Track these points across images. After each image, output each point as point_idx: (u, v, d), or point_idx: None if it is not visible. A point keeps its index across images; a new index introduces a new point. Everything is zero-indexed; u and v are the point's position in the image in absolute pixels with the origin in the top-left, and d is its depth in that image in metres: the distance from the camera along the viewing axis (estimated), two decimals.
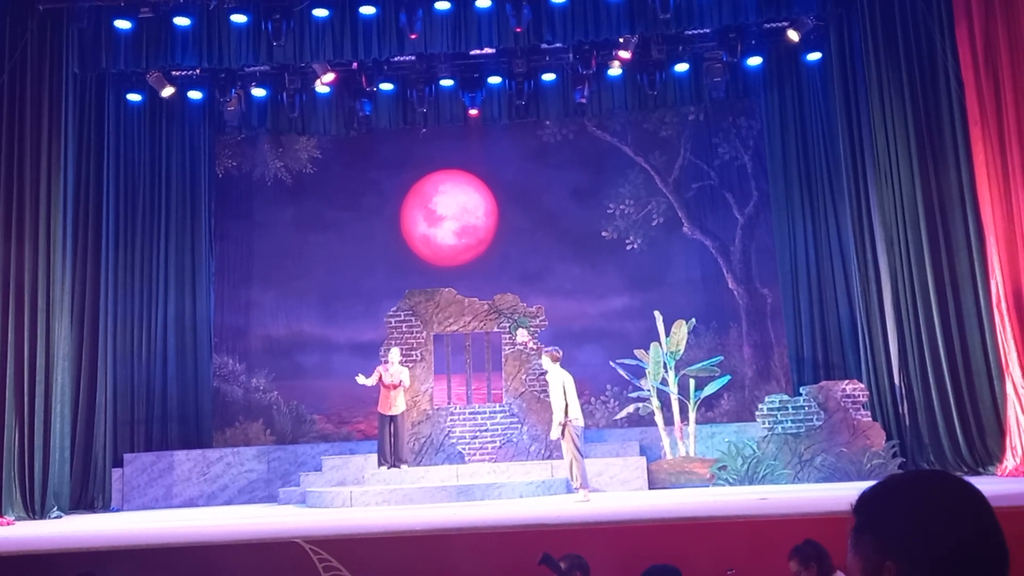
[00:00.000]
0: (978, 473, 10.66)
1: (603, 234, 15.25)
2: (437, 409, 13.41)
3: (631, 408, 13.14)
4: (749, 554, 6.72)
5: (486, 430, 13.29)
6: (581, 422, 10.55)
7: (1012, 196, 10.39)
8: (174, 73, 13.92)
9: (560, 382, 10.44)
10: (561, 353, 10.81)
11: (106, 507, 12.91)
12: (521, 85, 14.29)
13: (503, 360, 13.46)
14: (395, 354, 12.78)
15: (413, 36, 12.23)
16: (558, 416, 10.39)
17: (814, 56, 13.90)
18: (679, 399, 12.69)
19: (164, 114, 14.65)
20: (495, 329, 13.55)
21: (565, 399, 10.38)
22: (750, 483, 11.58)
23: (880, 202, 12.10)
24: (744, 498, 9.53)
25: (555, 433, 10.49)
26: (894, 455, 11.49)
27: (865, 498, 1.51)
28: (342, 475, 12.61)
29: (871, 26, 12.04)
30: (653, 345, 12.80)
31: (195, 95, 14.48)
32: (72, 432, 12.58)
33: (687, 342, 12.88)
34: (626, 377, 13.14)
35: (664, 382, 12.73)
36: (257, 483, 13.39)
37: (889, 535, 1.44)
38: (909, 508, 1.45)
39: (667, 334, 12.82)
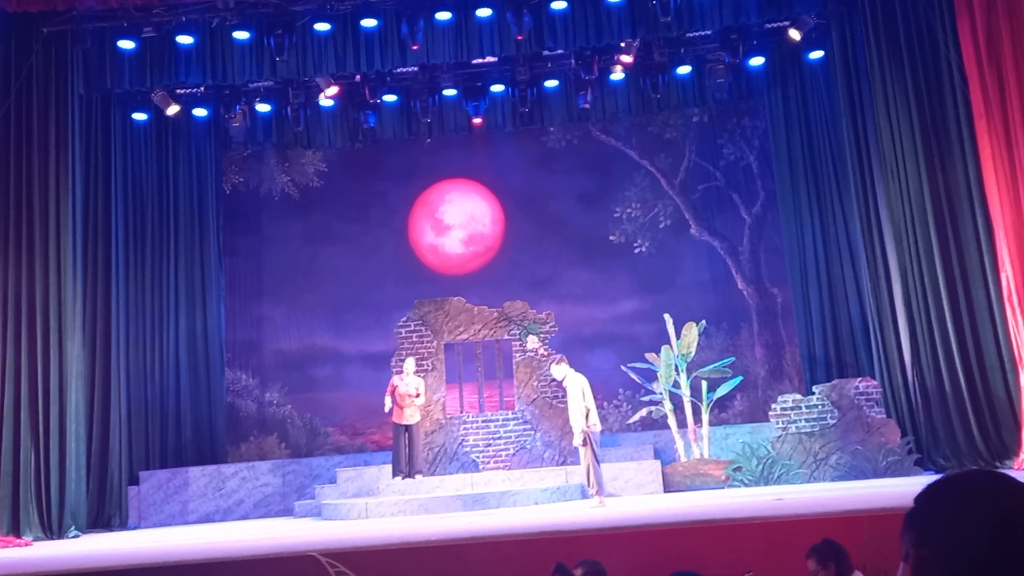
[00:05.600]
0: (995, 467, 10.60)
1: (611, 238, 15.26)
2: (450, 418, 13.40)
3: (644, 412, 13.12)
4: (766, 555, 6.69)
5: (499, 438, 13.28)
6: (599, 427, 10.61)
7: (1019, 188, 10.37)
8: (179, 91, 13.96)
9: (579, 387, 10.47)
10: (566, 359, 10.87)
11: (123, 525, 12.94)
12: (524, 92, 14.35)
13: (514, 367, 13.45)
14: (410, 364, 12.75)
15: (415, 47, 12.27)
16: (579, 423, 10.39)
17: (816, 54, 13.88)
18: (692, 401, 12.66)
19: (170, 132, 14.71)
20: (505, 336, 13.55)
21: (585, 404, 10.39)
22: (765, 484, 11.55)
23: (887, 198, 12.07)
24: (760, 499, 9.51)
25: (577, 440, 10.50)
26: (909, 451, 11.44)
27: (918, 495, 1.55)
28: (357, 487, 12.62)
29: (873, 23, 12.04)
30: (664, 348, 12.78)
31: (200, 112, 14.54)
32: (87, 451, 12.62)
33: (698, 344, 12.86)
34: (638, 381, 13.12)
35: (676, 385, 12.71)
36: (272, 497, 13.40)
37: (920, 526, 1.48)
38: (938, 501, 1.49)
39: (678, 336, 12.80)
